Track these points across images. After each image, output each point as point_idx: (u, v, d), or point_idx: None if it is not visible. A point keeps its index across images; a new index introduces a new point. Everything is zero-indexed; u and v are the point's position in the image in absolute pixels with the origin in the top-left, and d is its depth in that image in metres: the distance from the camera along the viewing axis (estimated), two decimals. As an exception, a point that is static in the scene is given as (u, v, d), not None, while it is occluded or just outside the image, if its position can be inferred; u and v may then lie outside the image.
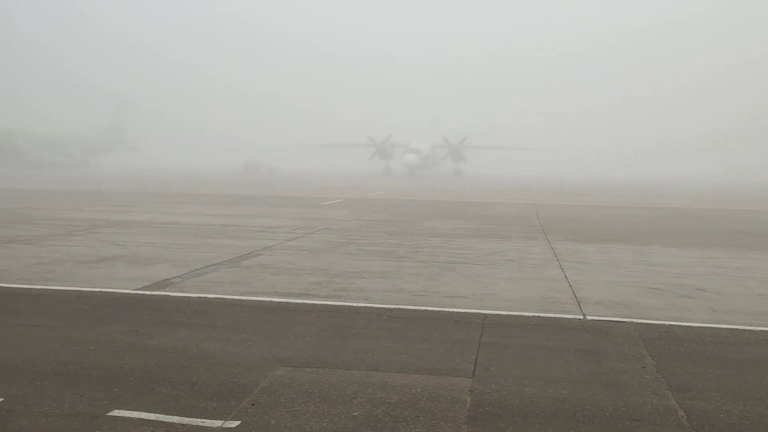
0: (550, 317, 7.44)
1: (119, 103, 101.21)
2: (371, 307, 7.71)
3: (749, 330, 7.07)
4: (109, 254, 11.41)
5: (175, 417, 4.36)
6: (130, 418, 4.33)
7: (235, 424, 4.29)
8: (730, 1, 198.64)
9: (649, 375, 5.48)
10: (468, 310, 7.68)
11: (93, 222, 17.01)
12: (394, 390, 4.97)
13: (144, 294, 8.22)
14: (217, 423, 4.30)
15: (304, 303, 7.87)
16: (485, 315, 7.45)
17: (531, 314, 7.56)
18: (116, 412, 4.41)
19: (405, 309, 7.68)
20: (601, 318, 7.45)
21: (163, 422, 4.28)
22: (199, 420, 4.34)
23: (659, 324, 7.23)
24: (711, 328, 7.14)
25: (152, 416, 4.37)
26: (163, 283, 8.88)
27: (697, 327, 7.14)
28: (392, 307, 7.76)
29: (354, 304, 7.86)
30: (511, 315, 7.51)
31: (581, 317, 7.49)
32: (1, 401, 4.53)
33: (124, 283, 8.80)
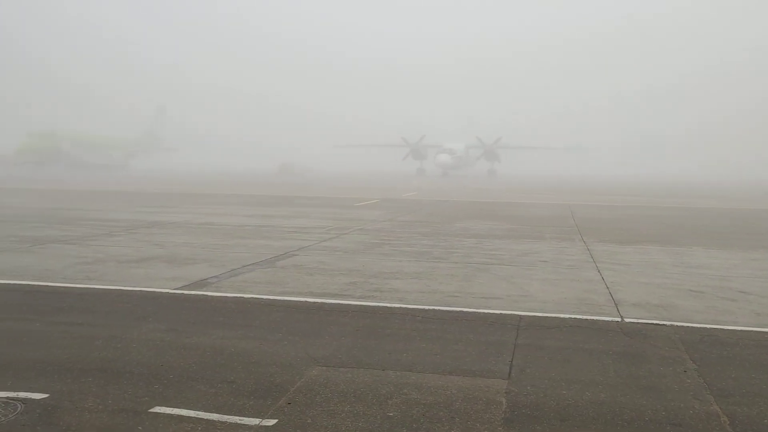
0: (586, 319, 7.35)
1: (156, 109, 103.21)
2: (406, 308, 7.72)
3: (794, 334, 6.88)
4: (149, 254, 11.65)
5: (214, 414, 4.44)
6: (171, 414, 4.42)
7: (272, 422, 4.35)
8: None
9: (690, 379, 5.38)
10: (503, 312, 7.63)
11: (132, 223, 17.38)
12: (429, 391, 4.97)
13: (182, 293, 8.37)
14: (255, 421, 4.36)
15: (339, 303, 7.92)
16: (520, 316, 7.40)
17: (567, 316, 7.48)
18: (157, 409, 4.51)
19: (439, 310, 7.67)
20: (640, 320, 7.33)
21: (203, 419, 4.35)
22: (237, 418, 4.41)
23: (701, 327, 7.08)
24: (755, 332, 6.97)
25: (192, 413, 4.45)
26: (201, 283, 9.03)
27: (741, 331, 6.98)
28: (426, 308, 7.76)
29: (388, 305, 7.88)
30: (547, 317, 7.44)
31: (619, 319, 7.38)
32: (47, 397, 4.67)
33: (164, 283, 8.98)
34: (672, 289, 9.24)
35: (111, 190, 35.61)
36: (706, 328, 7.05)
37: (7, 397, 4.64)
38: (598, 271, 10.66)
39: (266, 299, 8.06)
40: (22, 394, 4.69)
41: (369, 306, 7.82)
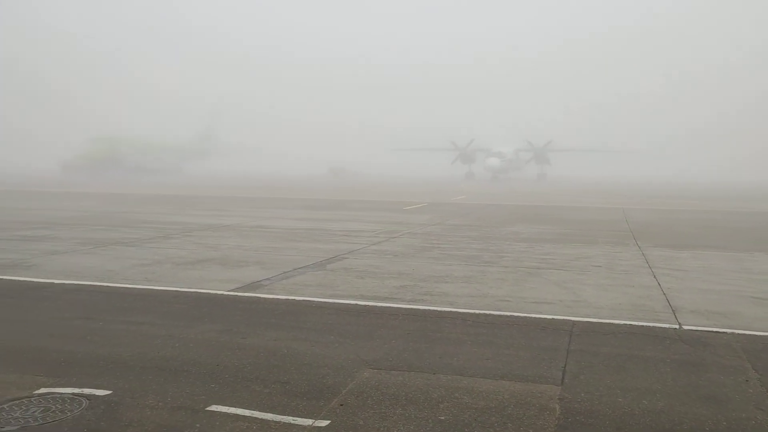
0: (642, 326, 7.18)
1: (211, 113, 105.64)
2: (456, 312, 7.70)
3: None
4: (203, 257, 11.94)
5: (268, 414, 4.53)
6: (227, 413, 4.53)
7: (324, 423, 4.41)
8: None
9: (752, 389, 5.20)
10: (555, 317, 7.53)
11: (187, 225, 17.84)
12: (480, 395, 4.95)
13: (236, 295, 8.55)
14: (308, 422, 4.43)
15: (389, 307, 7.96)
16: (573, 322, 7.29)
17: (622, 322, 7.32)
18: (214, 407, 4.63)
19: (490, 314, 7.62)
20: (699, 328, 7.12)
21: (258, 419, 4.45)
22: (291, 418, 4.48)
23: (764, 336, 6.83)
24: (821, 341, 6.68)
25: (247, 412, 4.55)
26: (254, 285, 9.21)
27: (806, 340, 6.70)
28: (477, 312, 7.72)
29: (439, 309, 7.87)
30: (601, 323, 7.30)
31: (677, 326, 7.19)
32: (110, 394, 4.85)
33: (218, 285, 9.19)
34: (733, 296, 8.94)
35: (166, 193, 36.61)
36: (769, 336, 6.80)
37: (73, 393, 4.84)
38: (654, 277, 10.40)
39: (317, 302, 8.16)
40: (87, 391, 4.89)
41: (419, 309, 7.83)
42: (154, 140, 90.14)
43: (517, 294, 8.89)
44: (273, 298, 8.33)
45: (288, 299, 8.27)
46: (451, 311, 7.75)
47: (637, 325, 7.19)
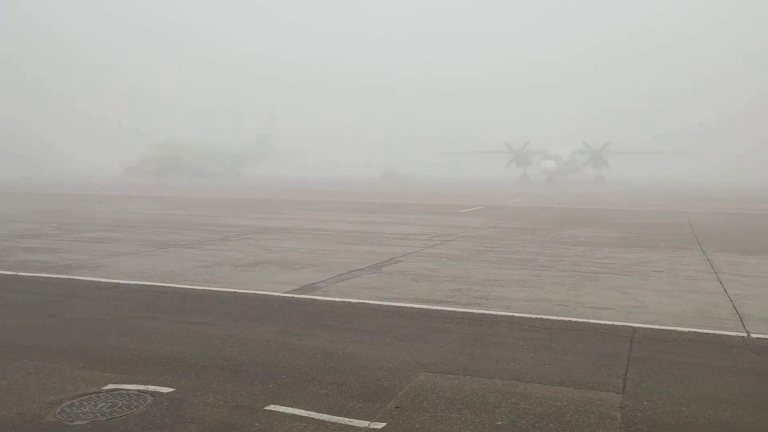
0: (707, 333, 6.93)
1: (267, 118, 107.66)
2: (512, 316, 7.61)
3: None
4: (261, 259, 12.17)
5: (325, 415, 4.58)
6: (285, 413, 4.60)
7: (380, 425, 4.42)
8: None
9: (827, 401, 4.94)
10: (615, 323, 7.35)
11: (245, 228, 18.22)
12: (538, 401, 4.87)
13: (293, 297, 8.68)
14: (364, 423, 4.45)
15: (444, 310, 7.93)
16: (634, 328, 7.10)
17: (686, 329, 7.09)
18: (272, 407, 4.71)
19: (547, 319, 7.50)
20: (768, 336, 6.83)
21: (315, 419, 4.50)
22: (347, 419, 4.52)
23: (839, 345, 6.49)
24: None
25: (304, 413, 4.61)
26: (310, 287, 9.33)
27: None
28: (534, 316, 7.61)
29: (494, 313, 7.79)
30: (664, 329, 7.09)
31: (744, 335, 6.91)
32: (173, 391, 5.00)
33: (275, 286, 9.35)
34: (805, 304, 8.53)
35: (223, 197, 37.47)
36: None
37: (139, 390, 5.01)
38: (720, 283, 10.02)
39: (373, 304, 8.20)
40: (152, 388, 5.05)
41: (474, 313, 7.77)
42: (212, 145, 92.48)
43: (574, 299, 8.72)
44: (329, 300, 8.42)
45: (343, 301, 8.34)
46: (506, 315, 7.66)
47: (703, 333, 6.94)
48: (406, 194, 43.22)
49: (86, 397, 4.86)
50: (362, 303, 8.26)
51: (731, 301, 8.66)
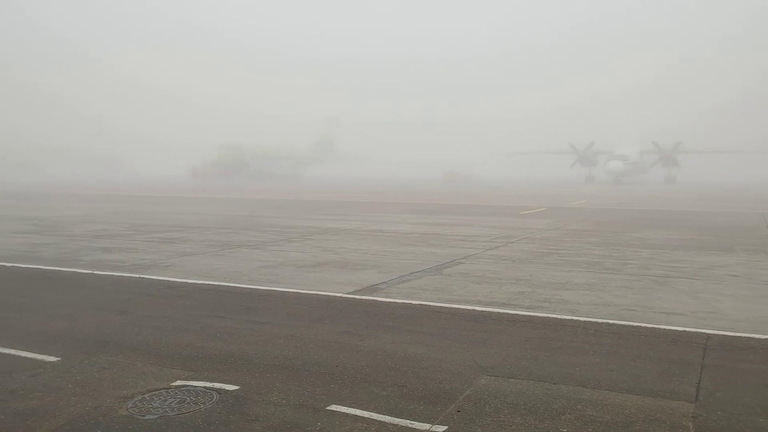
0: (788, 341, 6.57)
1: (329, 121, 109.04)
2: (577, 320, 7.42)
3: None
4: (323, 260, 12.30)
5: (386, 416, 4.57)
6: (346, 413, 4.62)
7: (442, 429, 4.38)
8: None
9: None
10: (687, 329, 7.06)
11: (307, 229, 18.48)
12: (605, 409, 4.73)
13: (354, 298, 8.73)
14: (425, 426, 4.43)
15: (507, 313, 7.81)
16: (708, 335, 6.80)
17: (764, 337, 6.74)
18: (333, 407, 4.74)
19: (614, 324, 7.28)
20: None
21: (376, 420, 4.50)
22: (408, 421, 4.50)
23: None
24: None
25: (365, 414, 4.62)
26: (371, 288, 9.37)
27: None
28: (600, 321, 7.40)
29: (559, 316, 7.62)
30: (740, 337, 6.76)
31: (829, 344, 6.51)
32: (238, 389, 5.10)
33: (337, 287, 9.43)
34: None
35: (287, 198, 38.14)
36: None
37: (205, 387, 5.14)
38: (801, 288, 9.50)
39: (434, 306, 8.16)
40: (217, 385, 5.17)
41: (538, 317, 7.62)
42: (276, 148, 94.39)
43: (643, 303, 8.43)
44: (390, 302, 8.42)
45: (405, 303, 8.33)
46: (571, 319, 7.48)
47: (782, 341, 6.58)
48: (467, 195, 42.88)
49: (156, 392, 5.02)
50: (423, 305, 8.23)
51: (814, 307, 8.19)
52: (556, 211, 27.31)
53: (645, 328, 7.10)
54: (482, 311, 7.89)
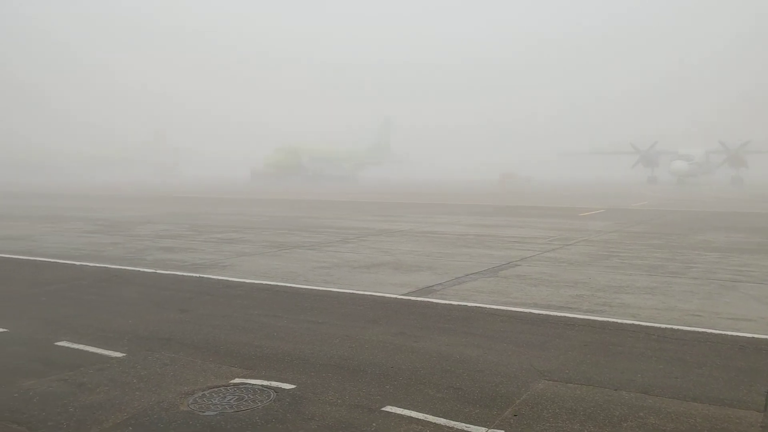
0: None
1: (384, 122, 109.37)
2: (639, 325, 7.21)
3: None
4: (378, 261, 12.35)
5: (442, 419, 4.54)
6: (402, 415, 4.62)
7: (498, 432, 4.33)
8: None
9: None
10: (756, 335, 6.76)
11: (362, 231, 18.58)
12: (669, 417, 4.57)
13: (409, 299, 8.72)
14: (482, 429, 4.38)
15: (565, 316, 7.65)
16: (779, 342, 6.49)
17: (841, 346, 6.39)
18: (389, 408, 4.74)
19: (678, 329, 7.03)
20: None
21: (431, 422, 4.48)
22: (464, 425, 4.46)
23: None
24: None
25: (420, 416, 4.60)
26: (426, 290, 9.34)
27: None
28: (663, 326, 7.16)
29: (619, 321, 7.42)
30: (814, 345, 6.43)
31: None
32: (295, 388, 5.17)
33: (392, 288, 9.44)
34: None
35: (342, 200, 38.45)
36: None
37: (262, 385, 5.23)
38: None
39: (490, 308, 8.07)
40: (274, 384, 5.25)
41: (597, 321, 7.44)
42: (332, 150, 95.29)
43: (709, 308, 8.12)
44: (445, 304, 8.38)
45: (460, 305, 8.27)
46: (632, 324, 7.27)
47: None
48: (524, 196, 42.28)
49: (215, 389, 5.14)
50: (479, 307, 8.15)
51: None
52: (616, 213, 26.62)
53: (711, 334, 6.84)
54: (539, 314, 7.76)
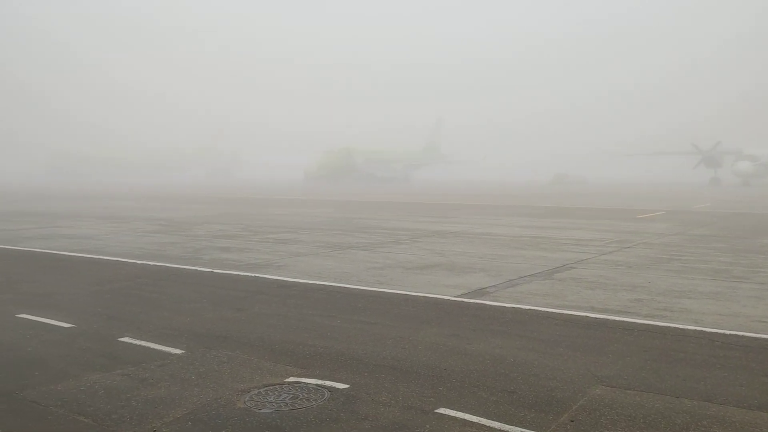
0: None
1: (435, 123, 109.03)
2: (701, 331, 6.97)
3: None
4: (431, 262, 12.32)
5: (495, 422, 4.50)
6: (455, 417, 4.59)
7: (554, 438, 4.25)
8: None
9: None
10: (829, 344, 6.44)
11: (415, 232, 18.56)
12: (733, 426, 4.40)
13: (462, 301, 8.67)
14: (537, 434, 4.31)
15: (623, 321, 7.47)
16: None
17: None
18: (442, 410, 4.72)
19: (743, 336, 6.77)
20: None
21: (485, 426, 4.44)
22: (519, 429, 4.40)
23: None
24: None
25: (474, 418, 4.57)
26: (480, 292, 9.26)
27: None
28: (727, 332, 6.91)
29: (680, 326, 7.19)
30: None
31: None
32: (348, 387, 5.21)
33: (445, 290, 9.40)
34: None
35: (395, 200, 38.49)
36: None
37: (317, 384, 5.28)
38: None
39: (544, 311, 7.95)
40: (329, 383, 5.31)
41: (657, 326, 7.23)
42: (384, 151, 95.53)
43: (777, 315, 7.78)
44: (499, 306, 8.29)
45: (514, 307, 8.17)
46: (695, 330, 7.03)
47: None
48: (579, 197, 41.42)
49: (271, 387, 5.23)
50: (533, 310, 8.04)
51: None
52: (677, 215, 25.80)
53: (779, 341, 6.55)
54: (596, 318, 7.59)
